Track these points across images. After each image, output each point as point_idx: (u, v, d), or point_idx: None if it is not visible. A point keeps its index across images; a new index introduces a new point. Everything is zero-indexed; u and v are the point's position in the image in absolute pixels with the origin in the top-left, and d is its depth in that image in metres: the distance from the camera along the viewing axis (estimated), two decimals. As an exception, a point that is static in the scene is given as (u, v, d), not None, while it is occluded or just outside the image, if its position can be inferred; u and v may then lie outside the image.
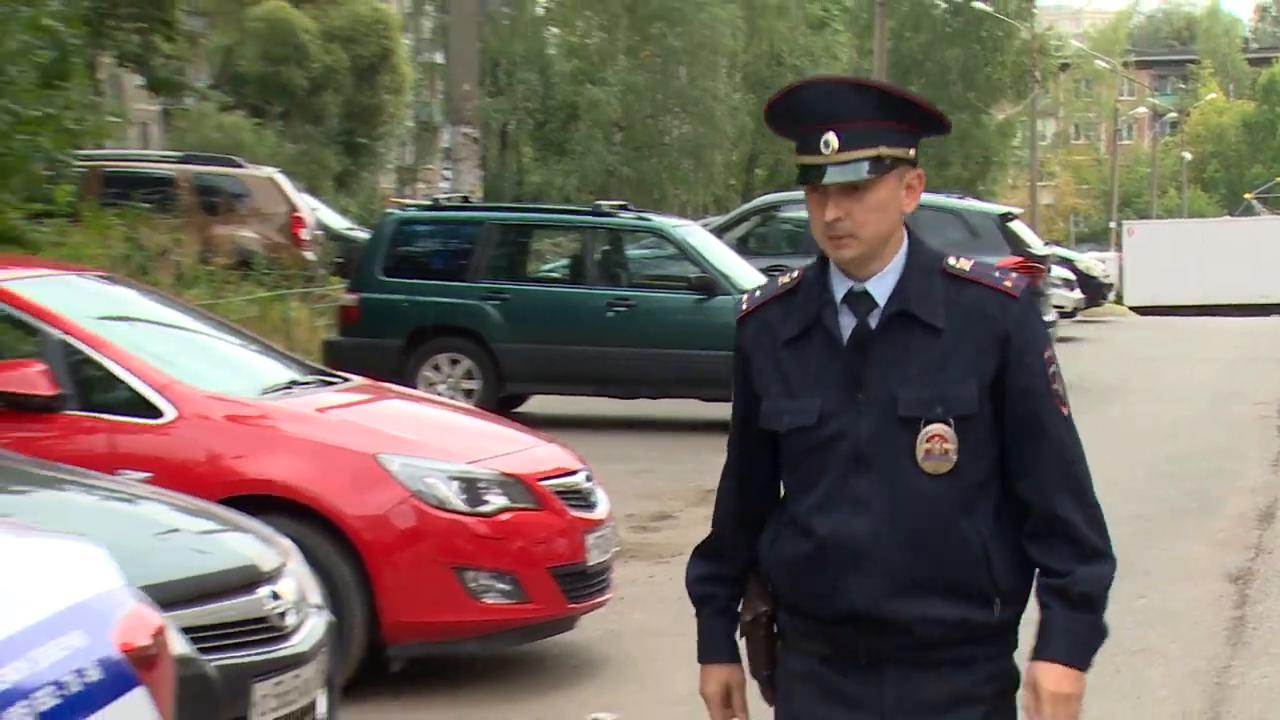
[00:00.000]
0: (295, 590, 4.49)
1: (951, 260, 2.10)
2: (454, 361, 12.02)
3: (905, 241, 2.10)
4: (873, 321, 2.01)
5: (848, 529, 1.99)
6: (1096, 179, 70.94)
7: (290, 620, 4.42)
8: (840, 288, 2.05)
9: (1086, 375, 15.13)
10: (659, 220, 13.87)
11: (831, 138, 2.00)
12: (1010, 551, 2.02)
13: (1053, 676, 1.96)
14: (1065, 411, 2.02)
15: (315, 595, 4.72)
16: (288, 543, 4.65)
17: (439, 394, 10.58)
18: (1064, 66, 62.94)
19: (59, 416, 5.83)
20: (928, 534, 1.99)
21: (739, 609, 2.16)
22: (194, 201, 15.44)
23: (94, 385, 6.05)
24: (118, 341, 6.16)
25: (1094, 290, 25.46)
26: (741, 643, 2.16)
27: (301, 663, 4.36)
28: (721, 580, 2.17)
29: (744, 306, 2.19)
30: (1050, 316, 16.34)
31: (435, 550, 5.73)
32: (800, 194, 2.45)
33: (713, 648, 2.17)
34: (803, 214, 10.54)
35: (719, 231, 15.07)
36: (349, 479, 5.74)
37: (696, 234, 13.24)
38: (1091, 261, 28.24)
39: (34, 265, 7.53)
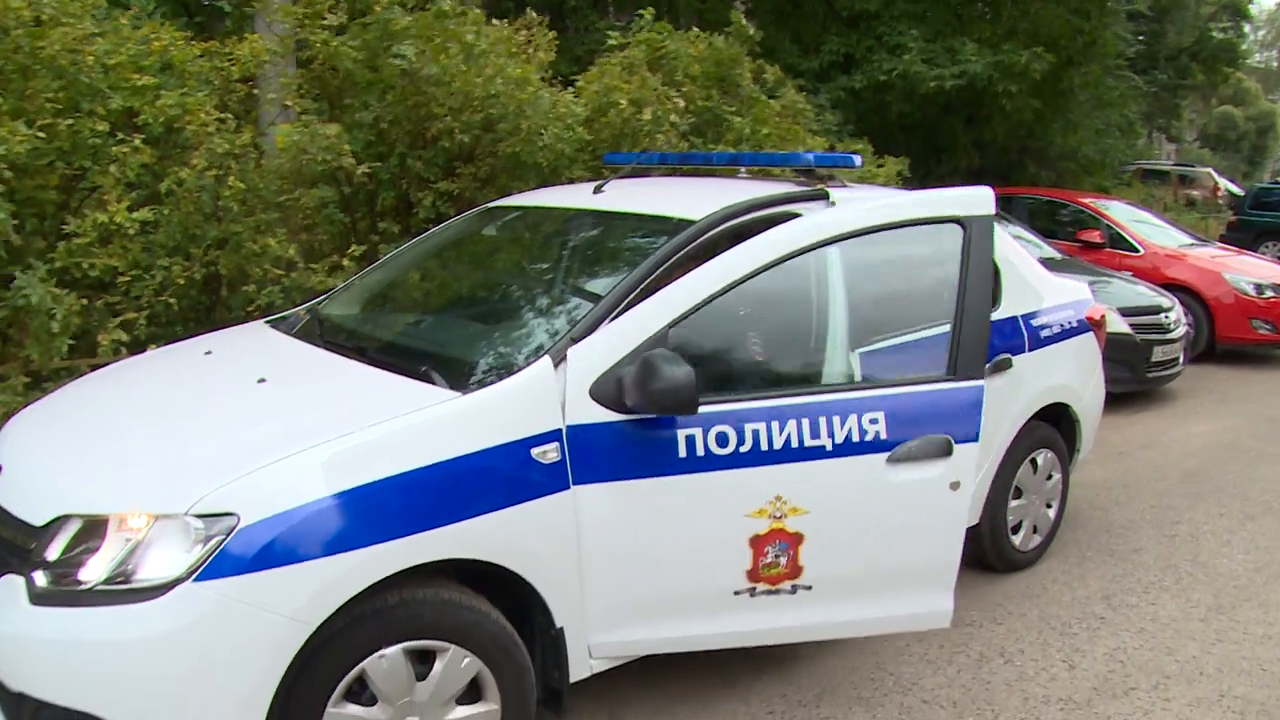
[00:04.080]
0: (1177, 315, 7.24)
1: None
2: (1275, 243, 16.89)
3: None
4: None
5: None
6: None
7: (1173, 327, 7.18)
8: None
9: None
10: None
11: None
12: None
13: None
14: None
15: (1183, 318, 7.63)
16: (1173, 300, 7.88)
17: (1262, 254, 13.28)
18: None
19: (1103, 252, 9.68)
20: None
21: None
22: (1177, 178, 25.85)
23: (1116, 241, 9.94)
24: (1130, 225, 10.16)
25: None
26: None
27: (1173, 342, 7.42)
28: None
29: None
30: None
31: (1239, 312, 9.58)
32: None
33: None
34: None
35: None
36: (1211, 279, 9.63)
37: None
38: None
39: (1098, 198, 11.45)
